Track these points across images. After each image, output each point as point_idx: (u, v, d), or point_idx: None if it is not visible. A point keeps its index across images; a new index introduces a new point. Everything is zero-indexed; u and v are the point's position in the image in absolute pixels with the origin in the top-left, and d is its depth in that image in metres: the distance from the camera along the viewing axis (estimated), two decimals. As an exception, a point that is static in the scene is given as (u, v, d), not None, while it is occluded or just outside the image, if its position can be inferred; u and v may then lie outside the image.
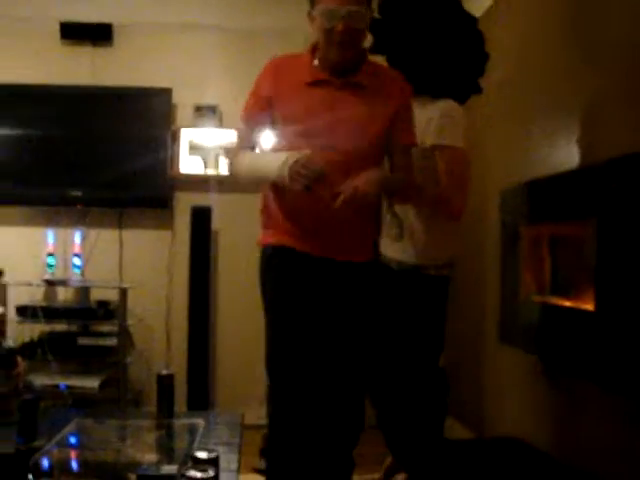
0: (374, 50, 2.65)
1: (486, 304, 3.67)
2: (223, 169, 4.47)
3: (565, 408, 2.76)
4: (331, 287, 2.31)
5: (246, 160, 2.36)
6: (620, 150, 2.28)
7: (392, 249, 2.64)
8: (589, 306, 2.35)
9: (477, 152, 2.54)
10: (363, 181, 2.15)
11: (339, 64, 2.25)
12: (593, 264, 2.33)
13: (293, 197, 2.24)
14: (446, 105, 2.59)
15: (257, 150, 2.41)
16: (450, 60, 2.60)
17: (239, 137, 2.51)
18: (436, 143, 2.53)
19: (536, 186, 2.88)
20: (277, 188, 2.29)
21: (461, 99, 2.69)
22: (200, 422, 2.36)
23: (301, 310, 2.29)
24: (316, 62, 2.30)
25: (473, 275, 3.83)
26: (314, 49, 2.31)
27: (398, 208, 2.59)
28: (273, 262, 2.34)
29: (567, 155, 2.77)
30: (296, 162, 2.10)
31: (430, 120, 2.54)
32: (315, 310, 2.30)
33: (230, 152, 2.38)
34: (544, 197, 2.77)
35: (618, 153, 2.24)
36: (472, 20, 2.68)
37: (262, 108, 2.33)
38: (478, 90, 2.73)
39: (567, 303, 2.62)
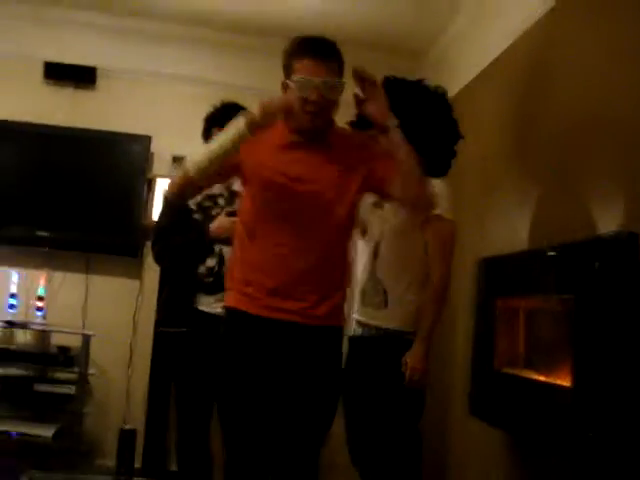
0: (356, 125, 2.72)
1: (456, 375, 3.64)
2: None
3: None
4: (289, 351, 2.25)
5: (199, 153, 2.29)
6: (597, 229, 2.34)
7: (371, 316, 2.65)
8: (565, 382, 2.33)
9: (455, 216, 2.59)
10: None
11: (309, 131, 2.27)
12: (571, 340, 2.32)
13: (257, 254, 2.24)
14: (435, 183, 2.65)
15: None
16: (430, 143, 2.71)
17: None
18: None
19: (513, 259, 2.89)
20: (243, 246, 2.29)
21: (440, 172, 2.80)
22: (161, 482, 2.26)
23: (252, 376, 2.24)
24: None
25: (444, 344, 3.80)
26: (286, 118, 2.31)
27: (382, 277, 2.63)
28: (227, 327, 2.31)
29: (542, 230, 2.82)
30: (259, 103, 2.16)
31: None
32: (268, 375, 2.24)
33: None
34: (522, 270, 2.78)
35: (596, 233, 2.28)
36: (448, 107, 2.83)
37: (232, 164, 2.30)
38: (449, 167, 2.84)
39: (541, 377, 2.59)
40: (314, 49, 2.22)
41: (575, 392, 2.23)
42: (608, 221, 2.34)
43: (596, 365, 2.13)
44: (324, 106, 2.22)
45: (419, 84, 2.83)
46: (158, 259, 3.21)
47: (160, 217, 3.29)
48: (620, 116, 2.37)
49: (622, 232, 2.07)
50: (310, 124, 2.24)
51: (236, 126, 2.17)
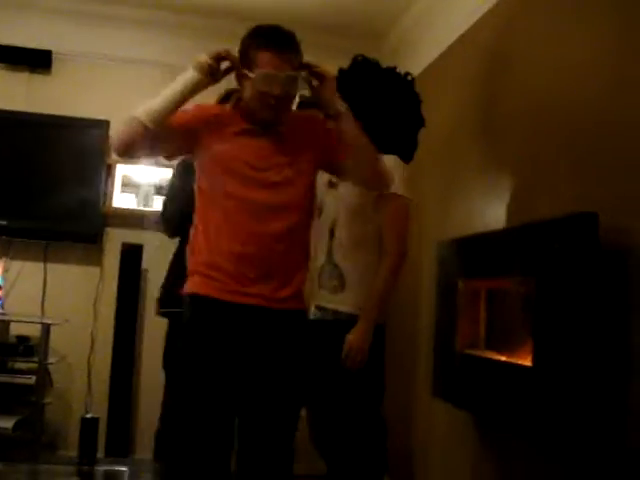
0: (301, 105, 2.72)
1: (419, 357, 3.66)
2: (156, 206, 4.37)
3: (496, 465, 2.74)
4: (255, 336, 2.24)
5: (149, 100, 2.27)
6: (557, 210, 2.36)
7: (327, 299, 2.63)
8: (526, 362, 2.36)
9: (414, 203, 2.58)
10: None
11: (269, 123, 2.28)
12: (531, 320, 2.35)
13: (218, 237, 2.23)
14: (391, 160, 2.64)
15: None
16: (394, 122, 2.73)
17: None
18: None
19: (475, 240, 2.91)
20: (206, 224, 2.27)
21: (406, 157, 2.79)
22: (124, 470, 2.24)
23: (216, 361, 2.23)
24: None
25: (406, 326, 3.82)
26: (236, 104, 2.34)
27: (339, 259, 2.60)
28: (190, 314, 2.29)
29: (504, 212, 2.84)
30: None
31: None
32: (232, 360, 2.23)
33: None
34: (483, 252, 2.79)
35: (556, 213, 2.30)
36: (411, 86, 2.83)
37: (187, 127, 2.28)
38: (415, 146, 2.84)
39: (503, 358, 2.62)
40: (276, 42, 2.20)
41: (535, 371, 2.26)
42: (569, 201, 2.36)
43: (556, 345, 2.15)
44: (286, 100, 2.23)
45: (393, 71, 2.83)
46: (167, 228, 3.18)
47: (170, 182, 3.28)
48: (585, 94, 2.38)
49: (581, 212, 2.09)
50: (272, 117, 2.25)
51: (189, 71, 2.22)
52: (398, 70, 2.85)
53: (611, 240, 2.07)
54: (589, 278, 2.05)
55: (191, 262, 2.32)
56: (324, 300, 2.66)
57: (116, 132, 2.23)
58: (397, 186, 2.58)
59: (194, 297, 2.26)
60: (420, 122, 2.83)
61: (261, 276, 2.22)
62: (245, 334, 2.22)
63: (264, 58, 2.18)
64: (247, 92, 2.24)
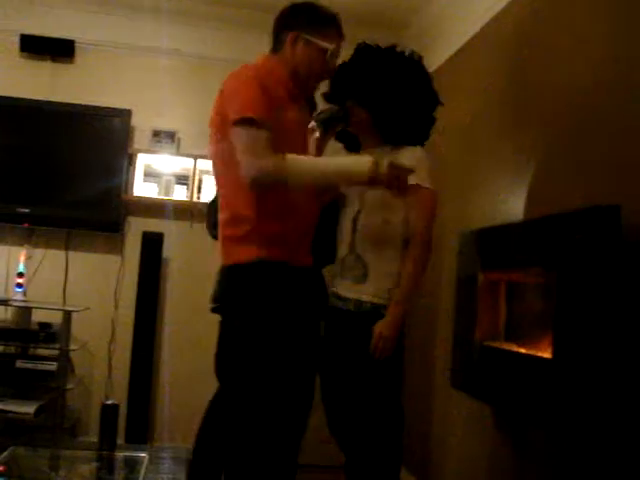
0: (329, 98, 2.74)
1: (438, 348, 3.66)
2: (177, 195, 4.40)
3: (513, 457, 2.74)
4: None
5: (304, 165, 2.23)
6: (577, 203, 2.35)
7: (350, 289, 2.62)
8: (546, 354, 2.35)
9: (437, 189, 2.57)
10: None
11: (306, 93, 2.42)
12: (552, 312, 2.33)
13: (282, 202, 2.23)
14: (414, 151, 2.64)
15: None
16: (410, 115, 2.69)
17: (259, 139, 2.16)
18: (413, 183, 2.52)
19: (496, 232, 2.89)
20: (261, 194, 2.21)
21: (424, 138, 2.77)
22: (144, 456, 2.26)
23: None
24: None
25: (426, 317, 3.82)
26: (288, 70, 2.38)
27: (362, 250, 2.59)
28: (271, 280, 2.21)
29: (525, 203, 2.82)
30: (390, 164, 2.19)
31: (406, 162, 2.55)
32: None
33: (262, 158, 2.12)
34: (503, 243, 2.78)
35: (578, 205, 2.28)
36: (425, 73, 2.77)
37: (270, 112, 2.21)
38: (428, 135, 2.80)
39: (522, 350, 2.61)
40: (338, 24, 2.40)
41: (555, 364, 2.25)
42: (595, 193, 2.34)
43: (576, 337, 2.14)
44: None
45: (393, 50, 2.76)
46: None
47: None
48: (608, 85, 2.36)
49: (604, 205, 2.07)
50: (313, 89, 2.41)
51: (359, 169, 2.19)
52: (400, 49, 2.77)
53: (634, 233, 2.06)
54: (611, 271, 2.03)
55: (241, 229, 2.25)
56: (346, 289, 2.64)
57: (262, 173, 2.14)
58: (423, 177, 2.57)
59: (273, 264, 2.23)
60: (435, 100, 2.76)
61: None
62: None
63: (332, 35, 2.36)
64: (313, 62, 2.34)
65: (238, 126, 2.16)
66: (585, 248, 2.12)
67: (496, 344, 2.81)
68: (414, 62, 2.75)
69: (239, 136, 2.16)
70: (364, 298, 2.58)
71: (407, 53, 2.75)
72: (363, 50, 2.77)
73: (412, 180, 2.48)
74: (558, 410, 2.20)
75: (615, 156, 2.26)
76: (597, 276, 2.06)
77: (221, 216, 2.31)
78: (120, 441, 3.78)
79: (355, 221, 2.66)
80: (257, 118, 2.14)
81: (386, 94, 2.66)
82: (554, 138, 2.67)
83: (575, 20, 2.61)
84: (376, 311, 2.56)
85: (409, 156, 2.58)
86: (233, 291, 2.22)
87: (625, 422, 2.02)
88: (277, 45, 2.40)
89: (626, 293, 2.04)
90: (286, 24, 2.39)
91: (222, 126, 2.23)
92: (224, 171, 2.29)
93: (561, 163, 2.61)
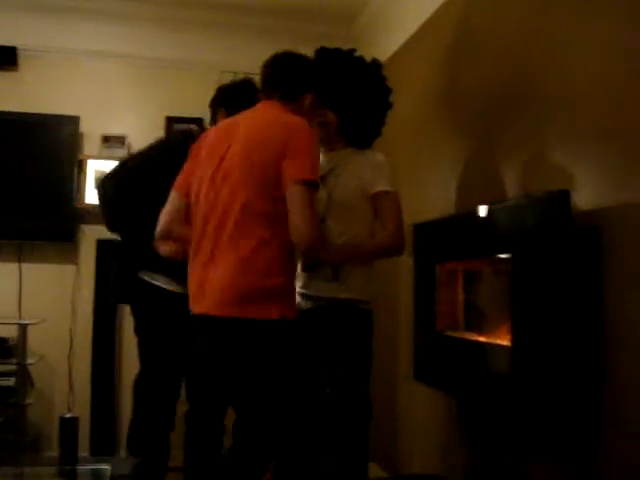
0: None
1: (400, 341, 3.66)
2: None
3: (480, 445, 2.76)
4: None
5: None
6: (527, 189, 2.38)
7: (323, 289, 2.62)
8: (505, 341, 2.37)
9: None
10: None
11: None
12: (509, 299, 2.35)
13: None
14: (376, 156, 2.73)
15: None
16: (373, 118, 2.78)
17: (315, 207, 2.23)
18: (381, 189, 2.63)
19: (451, 222, 2.91)
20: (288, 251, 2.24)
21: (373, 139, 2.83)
22: (106, 468, 2.23)
23: None
24: None
25: (387, 311, 3.83)
26: None
27: None
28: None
29: (477, 193, 2.84)
30: None
31: (370, 169, 2.66)
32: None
33: (319, 230, 2.23)
34: (458, 233, 2.79)
35: (526, 193, 2.31)
36: (382, 78, 2.83)
37: None
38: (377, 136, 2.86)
39: (482, 338, 2.63)
40: None
41: (514, 350, 2.27)
42: (537, 181, 2.37)
43: (532, 322, 2.16)
44: None
45: (352, 55, 2.81)
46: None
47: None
48: (546, 77, 2.38)
49: (554, 190, 2.09)
50: None
51: None
52: (359, 55, 2.82)
53: (586, 217, 2.08)
54: (564, 254, 2.05)
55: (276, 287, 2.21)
56: (317, 290, 2.63)
57: (318, 245, 2.21)
58: (388, 183, 2.64)
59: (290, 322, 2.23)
60: (388, 105, 2.84)
61: None
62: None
63: None
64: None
65: (304, 186, 2.15)
66: (538, 234, 2.14)
67: (456, 334, 2.82)
68: (376, 66, 2.81)
69: (302, 197, 2.14)
70: (341, 296, 2.59)
71: (367, 60, 2.81)
72: (322, 54, 2.79)
73: (379, 187, 2.61)
74: (518, 397, 2.22)
75: (562, 140, 2.29)
76: (550, 260, 2.08)
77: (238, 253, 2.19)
78: (85, 454, 3.74)
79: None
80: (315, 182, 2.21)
81: (356, 98, 2.71)
82: (503, 127, 2.69)
83: (517, 7, 2.63)
84: (352, 306, 2.58)
85: (372, 161, 2.68)
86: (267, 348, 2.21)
87: (584, 404, 2.04)
88: (291, 96, 2.38)
89: (579, 277, 2.06)
90: (307, 84, 2.42)
91: (271, 173, 2.18)
92: (262, 217, 2.19)
93: (509, 150, 2.62)
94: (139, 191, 2.84)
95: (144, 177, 2.87)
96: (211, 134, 2.43)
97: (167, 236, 2.42)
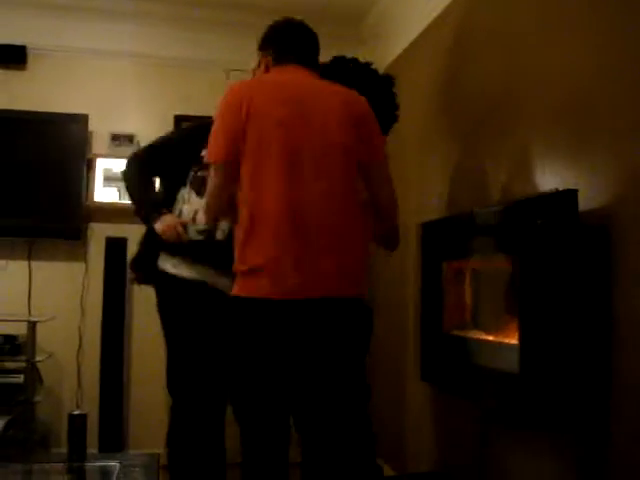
0: None
1: (408, 341, 3.66)
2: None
3: (487, 444, 2.76)
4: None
5: None
6: (535, 188, 2.39)
7: None
8: (513, 340, 2.36)
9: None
10: None
11: None
12: (516, 298, 2.35)
13: None
14: None
15: None
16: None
17: None
18: None
19: (457, 221, 2.91)
20: None
21: None
22: (114, 465, 2.24)
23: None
24: None
25: (395, 310, 3.83)
26: None
27: None
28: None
29: (486, 192, 2.83)
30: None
31: None
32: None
33: None
34: (466, 232, 2.79)
35: (534, 191, 2.31)
36: (392, 93, 2.95)
37: None
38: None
39: (490, 337, 2.63)
40: None
41: (522, 349, 2.26)
42: (544, 180, 2.37)
43: (540, 322, 2.16)
44: None
45: (368, 67, 2.89)
46: None
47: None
48: (552, 79, 2.38)
49: (562, 189, 2.09)
50: None
51: None
52: (374, 67, 2.90)
53: (593, 216, 2.08)
54: (571, 253, 2.05)
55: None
56: None
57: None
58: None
59: None
60: (394, 119, 2.96)
61: None
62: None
63: None
64: None
65: (386, 167, 2.38)
66: (545, 232, 2.14)
67: (463, 333, 2.82)
68: (388, 81, 2.93)
69: (389, 179, 2.41)
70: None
71: (380, 73, 2.94)
72: (340, 62, 2.86)
73: None
74: (526, 395, 2.22)
75: (569, 141, 2.28)
76: (558, 259, 2.08)
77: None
78: (94, 450, 3.75)
79: None
80: None
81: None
82: (510, 127, 2.69)
83: (520, 10, 2.63)
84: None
85: None
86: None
87: (592, 399, 2.04)
88: (317, 65, 2.45)
89: (586, 275, 2.06)
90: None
91: (364, 147, 2.31)
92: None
93: (518, 150, 2.62)
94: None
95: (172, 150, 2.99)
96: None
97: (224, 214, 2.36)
